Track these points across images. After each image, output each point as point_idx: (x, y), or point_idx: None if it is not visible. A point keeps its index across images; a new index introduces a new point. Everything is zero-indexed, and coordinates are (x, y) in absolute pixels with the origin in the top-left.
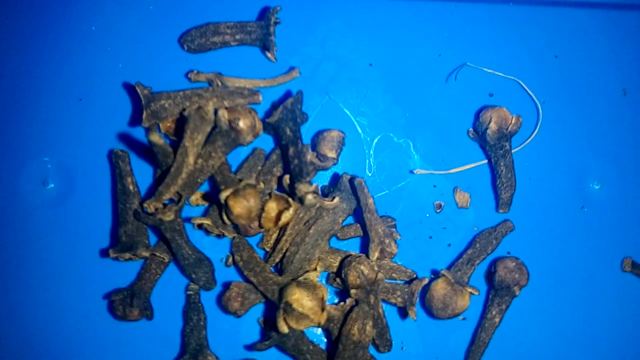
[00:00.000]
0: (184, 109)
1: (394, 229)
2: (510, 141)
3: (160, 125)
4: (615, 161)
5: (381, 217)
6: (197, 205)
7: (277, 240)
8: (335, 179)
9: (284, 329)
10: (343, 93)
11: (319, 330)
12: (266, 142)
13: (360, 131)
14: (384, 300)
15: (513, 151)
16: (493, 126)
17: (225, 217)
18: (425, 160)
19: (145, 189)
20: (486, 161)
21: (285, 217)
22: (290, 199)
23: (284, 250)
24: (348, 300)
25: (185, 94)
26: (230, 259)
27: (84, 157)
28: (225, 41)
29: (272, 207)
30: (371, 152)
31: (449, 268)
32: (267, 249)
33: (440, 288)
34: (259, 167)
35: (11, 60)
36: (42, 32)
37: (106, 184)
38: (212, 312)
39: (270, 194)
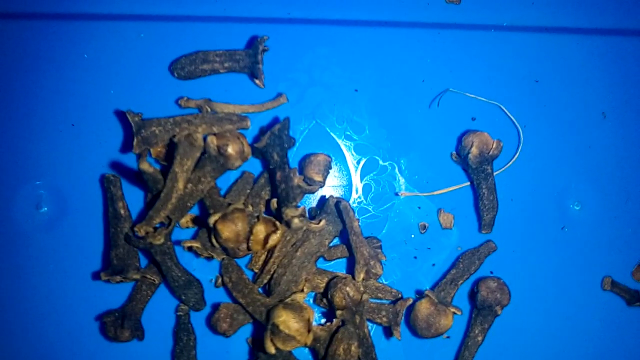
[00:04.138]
0: (173, 136)
1: (380, 250)
2: (491, 164)
3: (151, 150)
4: (595, 183)
5: (367, 238)
6: (187, 227)
7: (265, 262)
8: (322, 201)
9: (271, 350)
10: (329, 118)
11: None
12: (255, 166)
13: (346, 154)
14: (369, 320)
15: (495, 174)
16: (475, 150)
17: (214, 241)
18: (410, 183)
19: (136, 213)
20: (469, 183)
21: (273, 239)
22: (277, 222)
23: (271, 272)
24: (334, 321)
25: (175, 120)
26: (220, 280)
27: (76, 181)
28: (214, 69)
29: (260, 230)
30: (357, 175)
31: (433, 288)
32: (256, 270)
33: (424, 308)
34: (248, 190)
35: (5, 87)
36: (36, 60)
37: (98, 208)
38: (202, 333)
39: (258, 217)
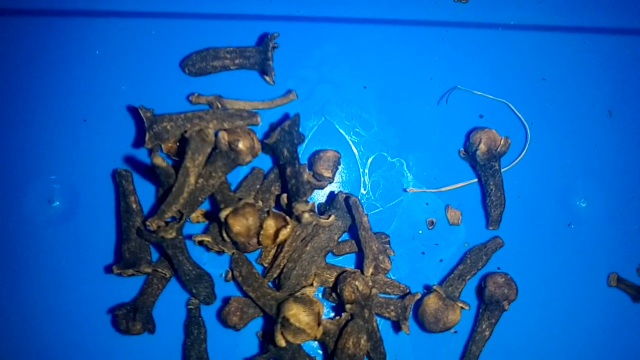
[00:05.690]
0: (185, 131)
1: (388, 246)
2: (499, 161)
3: (162, 145)
4: (601, 180)
5: (375, 233)
6: (198, 222)
7: (275, 257)
8: (331, 197)
9: (282, 343)
10: (338, 114)
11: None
12: (264, 162)
13: (355, 151)
14: (378, 315)
15: (502, 170)
16: (482, 147)
17: (224, 235)
18: (418, 179)
19: (147, 208)
20: (476, 180)
21: (283, 234)
22: (287, 217)
23: (281, 266)
24: (343, 315)
25: (187, 116)
26: (230, 274)
27: (88, 176)
28: (225, 65)
29: (270, 224)
30: (366, 171)
31: (440, 283)
32: (265, 265)
33: (432, 303)
34: (258, 186)
35: (18, 83)
36: (48, 56)
37: (110, 203)
38: (212, 326)
39: (268, 212)
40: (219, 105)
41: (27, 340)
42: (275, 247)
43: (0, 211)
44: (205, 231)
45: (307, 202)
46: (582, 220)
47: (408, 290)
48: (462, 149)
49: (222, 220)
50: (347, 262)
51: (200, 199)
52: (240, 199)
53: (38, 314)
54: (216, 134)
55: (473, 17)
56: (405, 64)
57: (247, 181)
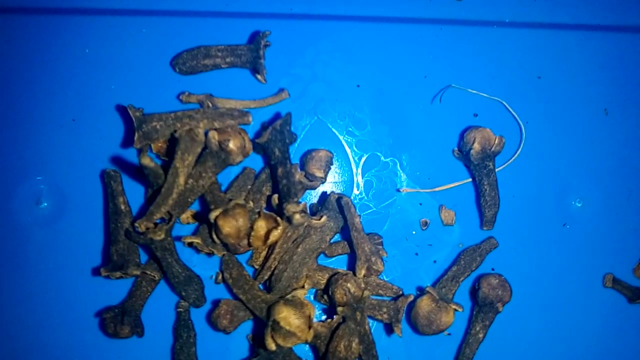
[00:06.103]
0: (175, 131)
1: (381, 247)
2: (493, 161)
3: (152, 145)
4: (596, 179)
5: (368, 234)
6: (188, 223)
7: (266, 258)
8: (324, 197)
9: (272, 346)
10: (331, 113)
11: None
12: (256, 162)
13: (348, 150)
14: (370, 317)
15: (497, 170)
16: (477, 146)
17: (215, 236)
18: (412, 179)
19: (136, 209)
20: (471, 180)
21: (274, 235)
22: (278, 218)
23: (272, 268)
24: (335, 317)
25: (177, 115)
26: (220, 277)
27: (76, 177)
28: (216, 64)
29: (261, 225)
30: (359, 171)
31: (434, 285)
32: (256, 267)
33: (425, 305)
34: (249, 186)
35: (6, 82)
36: (37, 54)
37: (98, 204)
38: (202, 329)
39: (259, 213)
40: (210, 104)
41: (13, 343)
42: (266, 249)
43: None
44: (195, 233)
45: (298, 202)
46: (577, 221)
47: (401, 292)
48: (456, 148)
49: (212, 221)
50: (339, 263)
51: (190, 199)
52: (230, 200)
53: (23, 317)
54: (206, 134)
55: (468, 15)
56: (399, 62)
57: (238, 181)
